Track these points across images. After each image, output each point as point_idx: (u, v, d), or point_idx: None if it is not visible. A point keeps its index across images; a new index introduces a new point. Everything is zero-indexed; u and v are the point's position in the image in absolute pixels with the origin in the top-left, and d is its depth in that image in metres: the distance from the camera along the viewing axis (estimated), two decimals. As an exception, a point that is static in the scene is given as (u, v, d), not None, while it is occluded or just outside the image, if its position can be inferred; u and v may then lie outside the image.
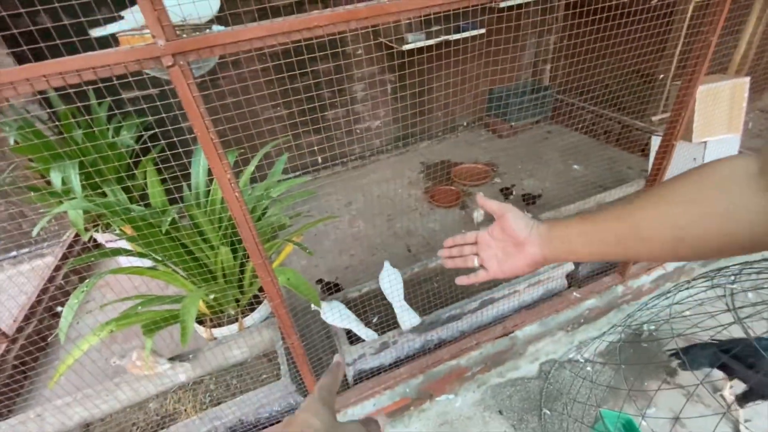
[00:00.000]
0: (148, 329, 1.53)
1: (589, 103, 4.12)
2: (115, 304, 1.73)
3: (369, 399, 1.79)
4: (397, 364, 1.92)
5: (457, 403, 1.92)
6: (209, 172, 1.92)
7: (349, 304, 2.01)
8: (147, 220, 1.54)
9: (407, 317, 1.84)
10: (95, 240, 3.13)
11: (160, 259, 1.71)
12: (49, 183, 2.60)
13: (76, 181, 2.31)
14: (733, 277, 1.55)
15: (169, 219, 1.46)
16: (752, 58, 2.77)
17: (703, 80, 1.60)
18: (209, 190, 1.87)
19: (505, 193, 3.24)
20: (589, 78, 3.40)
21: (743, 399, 1.64)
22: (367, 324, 1.91)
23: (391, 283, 1.94)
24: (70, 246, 3.19)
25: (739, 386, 1.65)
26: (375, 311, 2.03)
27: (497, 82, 4.34)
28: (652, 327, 2.14)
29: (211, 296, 1.80)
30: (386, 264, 1.99)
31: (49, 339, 2.51)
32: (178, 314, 1.71)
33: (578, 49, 2.87)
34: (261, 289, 2.15)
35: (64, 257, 3.08)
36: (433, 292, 2.12)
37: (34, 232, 2.51)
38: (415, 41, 3.21)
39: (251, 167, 1.84)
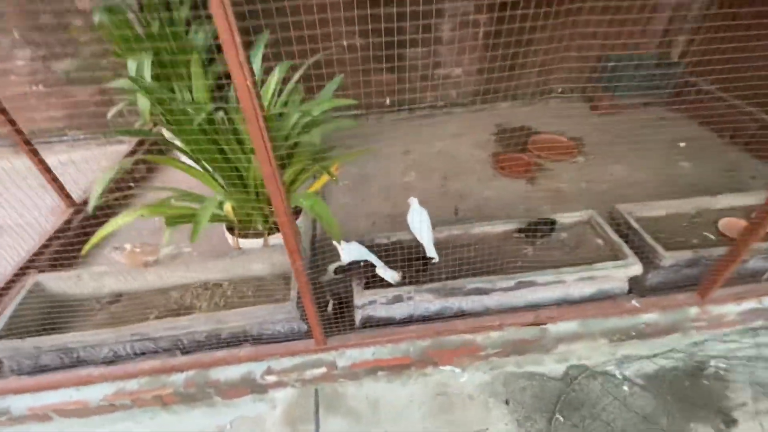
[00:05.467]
0: (171, 221, 1.55)
1: (726, 92, 3.32)
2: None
3: (369, 347, 1.71)
4: (408, 322, 1.80)
5: (462, 379, 1.77)
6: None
7: (376, 251, 1.89)
8: (185, 112, 1.51)
9: (433, 253, 1.80)
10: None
11: (192, 155, 1.70)
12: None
13: (147, 71, 2.37)
14: None
15: (203, 114, 1.40)
16: None
17: None
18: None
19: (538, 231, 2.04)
20: (739, 62, 2.70)
21: None
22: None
23: (421, 221, 1.78)
24: (141, 142, 3.43)
25: None
26: (399, 264, 1.87)
27: (613, 48, 3.66)
28: (723, 365, 1.76)
29: (229, 204, 1.77)
30: (414, 202, 1.82)
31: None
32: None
33: (732, 23, 2.23)
34: (296, 210, 2.10)
35: (136, 147, 3.34)
36: (468, 260, 1.91)
37: (109, 115, 2.69)
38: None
39: (280, 73, 1.70)
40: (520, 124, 3.59)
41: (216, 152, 1.63)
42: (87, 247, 1.65)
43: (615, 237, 1.86)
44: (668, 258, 1.76)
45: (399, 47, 3.35)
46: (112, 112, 2.63)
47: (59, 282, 1.94)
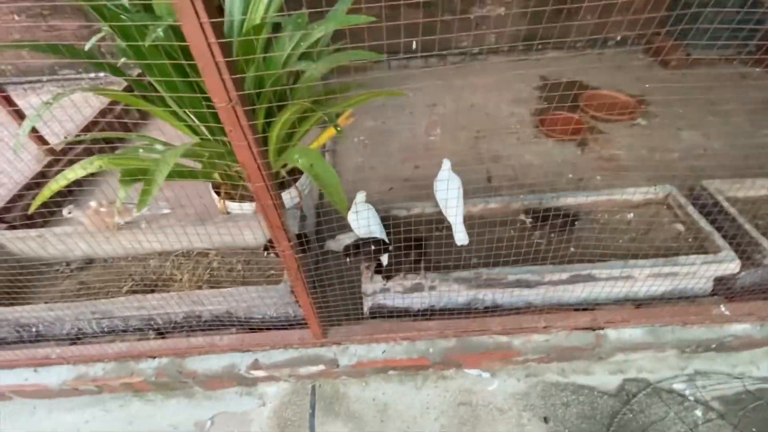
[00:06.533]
0: (126, 179, 1.20)
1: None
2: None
3: (380, 343, 1.39)
4: (428, 314, 1.45)
5: (491, 386, 1.45)
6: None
7: (390, 223, 1.52)
8: (137, 26, 1.12)
9: (462, 235, 1.44)
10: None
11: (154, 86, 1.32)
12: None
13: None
14: None
15: (158, 30, 1.00)
16: None
17: None
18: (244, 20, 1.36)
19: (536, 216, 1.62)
20: None
21: None
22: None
23: (450, 191, 1.38)
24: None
25: None
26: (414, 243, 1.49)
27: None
28: (829, 393, 1.38)
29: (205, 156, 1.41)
30: (446, 164, 1.43)
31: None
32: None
33: None
34: (293, 171, 1.73)
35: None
36: (506, 241, 1.52)
37: (87, 47, 2.29)
38: None
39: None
40: (569, 78, 3.04)
41: (186, 85, 1.25)
42: (34, 205, 1.33)
43: (704, 223, 1.43)
44: (777, 254, 1.34)
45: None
46: (89, 44, 2.23)
47: (22, 242, 1.66)
